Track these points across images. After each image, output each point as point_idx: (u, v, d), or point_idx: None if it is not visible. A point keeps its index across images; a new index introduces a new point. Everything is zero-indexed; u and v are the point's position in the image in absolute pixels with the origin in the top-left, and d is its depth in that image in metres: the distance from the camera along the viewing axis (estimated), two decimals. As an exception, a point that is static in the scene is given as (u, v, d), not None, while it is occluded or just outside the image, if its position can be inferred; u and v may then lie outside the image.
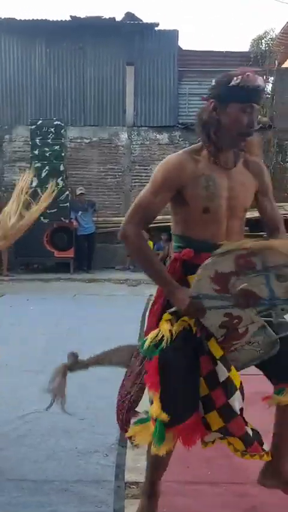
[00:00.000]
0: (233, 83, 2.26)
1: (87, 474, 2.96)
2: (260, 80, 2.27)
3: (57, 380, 3.04)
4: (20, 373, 4.78)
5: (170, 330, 2.29)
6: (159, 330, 2.35)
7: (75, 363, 3.38)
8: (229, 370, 2.37)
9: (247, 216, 2.47)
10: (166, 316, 2.37)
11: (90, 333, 6.26)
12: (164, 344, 2.27)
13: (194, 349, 2.29)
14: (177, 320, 2.33)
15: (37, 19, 13.00)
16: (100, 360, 3.58)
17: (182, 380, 2.25)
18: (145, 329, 2.61)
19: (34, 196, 12.95)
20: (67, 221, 12.00)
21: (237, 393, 2.49)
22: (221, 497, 2.76)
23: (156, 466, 2.53)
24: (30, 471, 2.99)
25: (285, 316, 2.40)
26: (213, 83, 2.41)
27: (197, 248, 2.37)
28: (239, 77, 2.24)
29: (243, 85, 2.24)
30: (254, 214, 2.56)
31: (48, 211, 11.84)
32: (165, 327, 2.32)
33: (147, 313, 7.63)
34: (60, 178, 12.10)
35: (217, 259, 2.11)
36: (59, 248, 11.95)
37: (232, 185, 2.35)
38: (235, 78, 2.25)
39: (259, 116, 13.80)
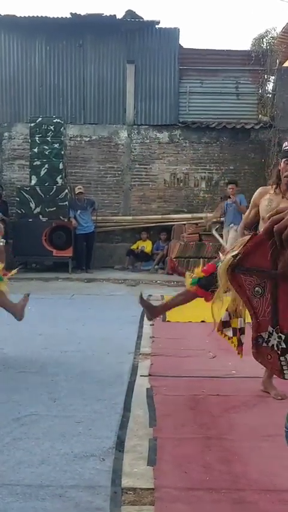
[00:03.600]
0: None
1: (83, 479, 2.90)
2: None
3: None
4: (16, 374, 4.72)
5: None
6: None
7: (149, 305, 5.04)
8: None
9: None
10: None
11: (89, 334, 6.21)
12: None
13: None
14: None
15: (37, 16, 12.93)
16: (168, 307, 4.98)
17: None
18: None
19: (33, 194, 12.93)
20: (66, 220, 11.94)
21: None
22: (219, 504, 2.70)
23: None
24: (24, 476, 2.92)
25: None
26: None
27: None
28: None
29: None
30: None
31: (47, 210, 11.83)
32: None
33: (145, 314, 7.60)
34: (60, 177, 12.06)
35: None
36: (58, 247, 11.88)
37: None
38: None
39: (260, 116, 13.90)
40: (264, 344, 1.47)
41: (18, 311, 5.23)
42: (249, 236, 1.44)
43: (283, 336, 1.45)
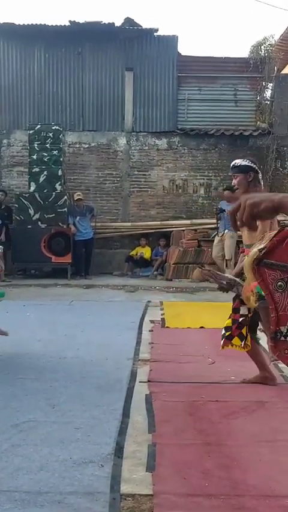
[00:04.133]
0: None
1: (81, 485, 2.89)
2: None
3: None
4: (15, 380, 4.70)
5: None
6: None
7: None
8: None
9: None
10: None
11: (88, 340, 6.21)
12: None
13: None
14: None
15: (36, 24, 12.98)
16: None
17: None
18: None
19: (32, 200, 12.96)
20: (65, 226, 11.95)
21: None
22: (218, 510, 2.69)
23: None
24: (23, 482, 2.91)
25: None
26: None
27: None
28: None
29: None
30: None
31: (46, 216, 11.84)
32: None
33: (144, 320, 7.66)
34: (59, 183, 12.08)
35: None
36: (57, 253, 11.88)
37: None
38: None
39: (258, 122, 13.94)
40: (282, 338, 1.49)
41: None
42: (276, 231, 1.48)
43: None
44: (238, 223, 1.42)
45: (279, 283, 1.48)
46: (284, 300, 1.47)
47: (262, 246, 1.51)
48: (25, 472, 3.02)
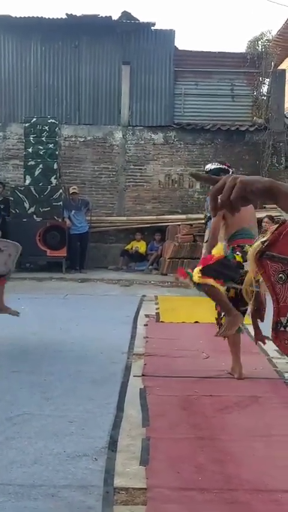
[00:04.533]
0: None
1: (75, 479, 2.90)
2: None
3: None
4: (9, 374, 4.71)
5: None
6: None
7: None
8: None
9: None
10: None
11: (82, 333, 6.21)
12: None
13: None
14: None
15: (33, 17, 12.89)
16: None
17: None
18: None
19: (27, 194, 12.92)
20: (60, 220, 11.93)
21: None
22: (211, 504, 2.71)
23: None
24: (17, 475, 2.92)
25: None
26: None
27: None
28: None
29: None
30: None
31: (41, 210, 11.81)
32: None
33: (139, 314, 7.67)
34: (54, 177, 12.04)
35: None
36: (52, 247, 11.86)
37: None
38: None
39: (254, 118, 13.93)
40: (282, 329, 1.53)
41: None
42: (278, 224, 1.51)
43: None
44: (219, 204, 1.36)
45: (280, 275, 1.52)
46: (284, 291, 1.51)
47: (265, 238, 1.55)
48: (19, 465, 3.03)
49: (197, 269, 4.63)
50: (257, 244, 1.58)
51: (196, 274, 4.58)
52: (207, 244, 5.53)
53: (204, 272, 4.55)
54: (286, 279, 1.50)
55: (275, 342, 1.59)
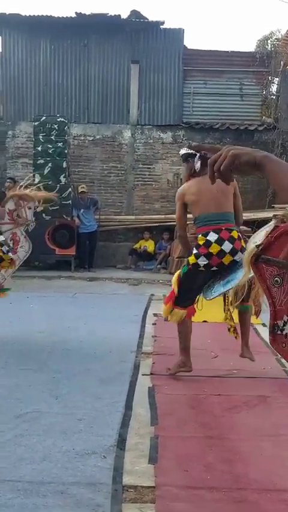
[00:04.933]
0: None
1: (84, 476, 2.91)
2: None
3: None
4: (18, 372, 4.73)
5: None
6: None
7: None
8: None
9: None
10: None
11: (91, 332, 6.22)
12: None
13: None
14: None
15: (42, 15, 12.93)
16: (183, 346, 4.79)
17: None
18: None
19: (36, 192, 12.51)
20: (69, 219, 11.95)
21: None
22: (220, 503, 2.71)
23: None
24: (26, 472, 2.93)
25: None
26: None
27: None
28: None
29: None
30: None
31: (50, 208, 11.83)
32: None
33: (148, 313, 7.68)
34: (63, 175, 12.07)
35: None
36: (61, 246, 11.89)
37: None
38: None
39: (263, 117, 13.85)
40: (279, 332, 1.52)
41: None
42: (272, 228, 1.51)
43: None
44: (215, 173, 1.37)
45: (276, 278, 1.51)
46: (280, 295, 1.51)
47: (259, 242, 1.54)
48: (28, 462, 3.04)
49: (166, 307, 4.73)
50: (251, 247, 1.58)
51: (166, 312, 4.74)
52: (177, 238, 5.60)
53: (179, 304, 4.66)
54: (282, 282, 1.50)
55: (273, 345, 1.59)
